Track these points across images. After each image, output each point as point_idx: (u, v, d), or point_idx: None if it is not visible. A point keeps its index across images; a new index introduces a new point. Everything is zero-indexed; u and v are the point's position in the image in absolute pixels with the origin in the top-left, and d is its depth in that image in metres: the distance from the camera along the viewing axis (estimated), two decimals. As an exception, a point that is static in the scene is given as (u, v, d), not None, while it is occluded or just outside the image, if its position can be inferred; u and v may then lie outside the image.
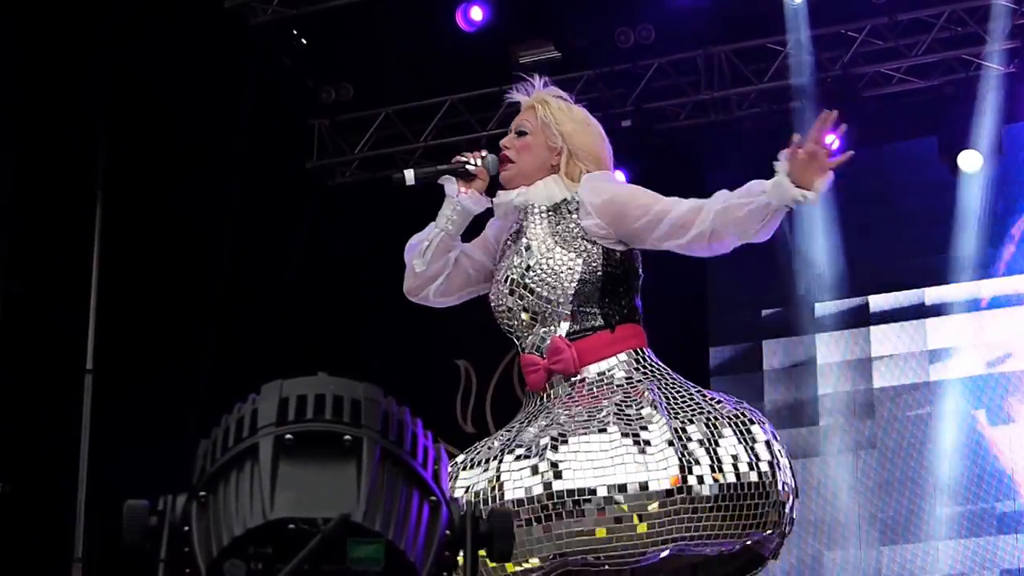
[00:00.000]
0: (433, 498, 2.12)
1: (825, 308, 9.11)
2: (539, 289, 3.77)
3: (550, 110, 3.93)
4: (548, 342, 3.78)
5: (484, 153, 3.97)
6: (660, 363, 3.80)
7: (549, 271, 3.77)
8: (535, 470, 3.49)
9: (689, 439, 3.52)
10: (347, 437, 2.07)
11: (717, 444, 3.53)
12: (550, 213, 3.85)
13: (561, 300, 3.76)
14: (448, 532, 2.12)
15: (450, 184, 3.94)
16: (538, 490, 3.47)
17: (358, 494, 2.02)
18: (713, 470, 3.49)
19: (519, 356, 3.86)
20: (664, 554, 3.50)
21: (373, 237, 9.48)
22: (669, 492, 3.44)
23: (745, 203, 3.57)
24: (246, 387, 2.20)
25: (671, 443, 3.49)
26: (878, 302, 9.02)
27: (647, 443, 3.50)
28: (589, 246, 3.77)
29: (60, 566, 7.74)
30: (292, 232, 9.40)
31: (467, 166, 3.94)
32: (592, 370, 3.74)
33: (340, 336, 9.33)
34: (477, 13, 9.00)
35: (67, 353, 8.10)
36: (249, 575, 1.99)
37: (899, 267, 8.95)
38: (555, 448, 3.51)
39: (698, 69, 9.05)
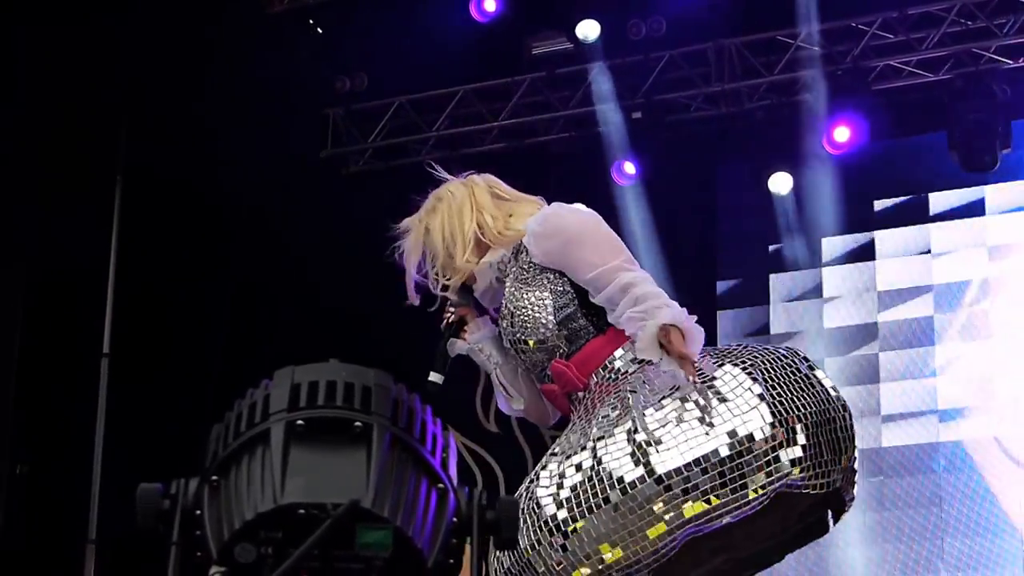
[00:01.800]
0: (441, 485, 2.12)
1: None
2: (530, 339, 3.87)
3: (421, 236, 4.14)
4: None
5: (449, 300, 4.06)
6: None
7: (529, 319, 3.86)
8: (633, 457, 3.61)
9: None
10: (357, 424, 2.07)
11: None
12: (513, 269, 3.92)
13: (549, 335, 3.85)
14: (455, 519, 2.13)
15: (459, 344, 4.06)
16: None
17: (367, 480, 2.03)
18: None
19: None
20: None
21: (386, 225, 9.50)
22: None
23: (633, 315, 3.72)
24: (259, 373, 2.21)
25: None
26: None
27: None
28: (551, 276, 3.87)
29: (74, 548, 7.80)
30: (306, 220, 9.43)
31: (451, 320, 4.06)
32: (594, 377, 3.84)
33: (352, 324, 9.36)
34: (490, 4, 9.00)
35: (84, 337, 8.16)
36: (259, 559, 2.00)
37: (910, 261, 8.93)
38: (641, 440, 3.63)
39: (709, 61, 9.06)
